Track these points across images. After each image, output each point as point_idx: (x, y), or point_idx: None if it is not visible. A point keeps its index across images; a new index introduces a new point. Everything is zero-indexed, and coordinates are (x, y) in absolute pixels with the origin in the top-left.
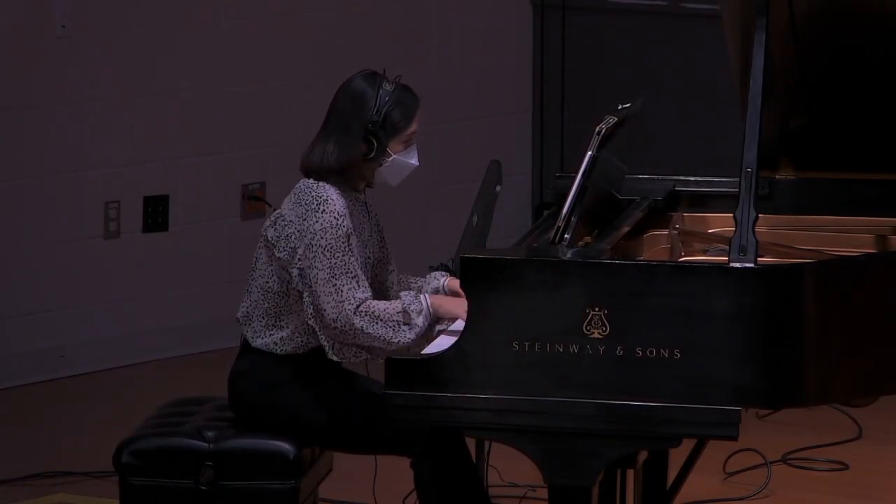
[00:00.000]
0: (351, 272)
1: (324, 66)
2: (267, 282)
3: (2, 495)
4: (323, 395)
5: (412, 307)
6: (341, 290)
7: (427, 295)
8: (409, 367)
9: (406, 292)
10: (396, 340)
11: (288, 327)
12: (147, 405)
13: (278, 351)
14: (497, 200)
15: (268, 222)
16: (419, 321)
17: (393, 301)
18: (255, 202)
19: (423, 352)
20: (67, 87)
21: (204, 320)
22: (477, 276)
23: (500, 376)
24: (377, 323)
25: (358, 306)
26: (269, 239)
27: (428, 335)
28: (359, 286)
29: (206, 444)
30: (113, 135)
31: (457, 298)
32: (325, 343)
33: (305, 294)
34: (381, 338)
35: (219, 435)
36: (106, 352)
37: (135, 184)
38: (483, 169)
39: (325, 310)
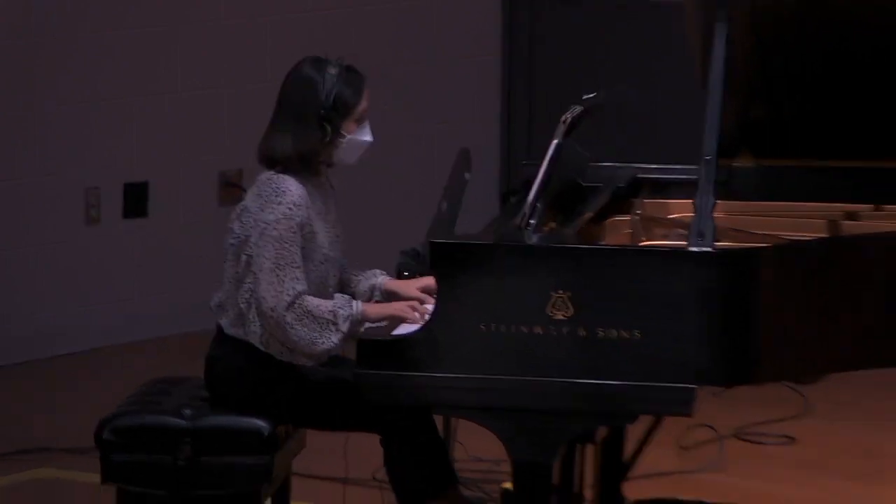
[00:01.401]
0: (295, 264)
1: (289, 48)
2: (235, 273)
3: None
4: (295, 375)
5: (342, 310)
6: (283, 281)
7: (359, 301)
8: (379, 348)
9: (340, 295)
10: (320, 343)
11: (257, 321)
12: (127, 385)
13: (251, 341)
14: (466, 187)
15: (234, 215)
16: (344, 327)
17: (326, 301)
18: (232, 188)
19: (393, 333)
20: (48, 75)
21: (181, 304)
22: (446, 260)
23: (467, 357)
24: (306, 319)
25: (294, 299)
26: (235, 231)
27: (355, 333)
28: (299, 280)
29: (185, 422)
30: (94, 122)
31: (389, 303)
32: (256, 329)
33: (248, 280)
34: (306, 338)
35: (196, 413)
36: (86, 333)
37: (115, 170)
38: (453, 157)
39: (264, 297)
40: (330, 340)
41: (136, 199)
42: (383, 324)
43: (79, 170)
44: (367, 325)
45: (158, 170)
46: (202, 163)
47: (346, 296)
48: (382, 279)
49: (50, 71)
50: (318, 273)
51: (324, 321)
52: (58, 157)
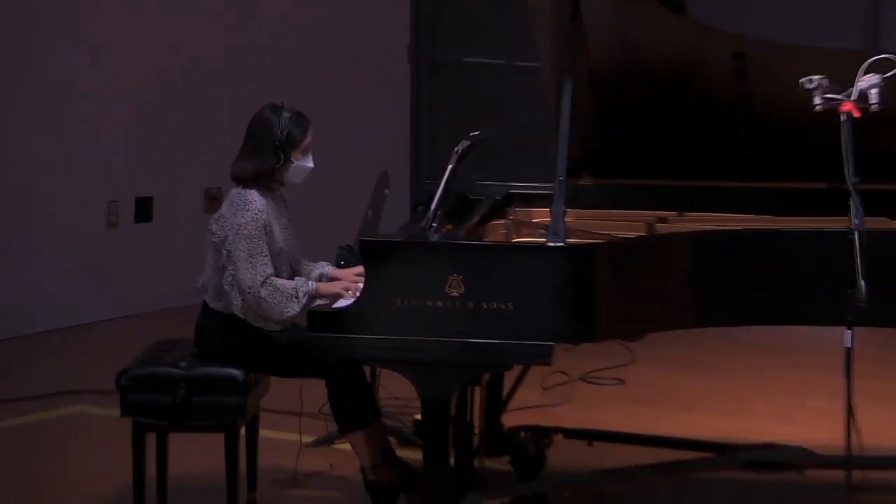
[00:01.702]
0: (264, 253)
1: (253, 93)
2: (215, 263)
3: (33, 408)
4: (263, 336)
5: (301, 288)
6: (255, 266)
7: (313, 281)
8: (324, 317)
9: (298, 277)
10: (287, 311)
11: (238, 298)
12: (137, 344)
13: (227, 312)
14: (385, 200)
15: (213, 219)
16: (304, 300)
17: (289, 281)
18: (214, 201)
19: (333, 306)
20: (82, 109)
21: (176, 285)
22: (372, 253)
23: (387, 323)
24: (276, 294)
25: (265, 279)
26: (214, 232)
27: (310, 305)
28: (268, 265)
29: (180, 371)
30: (114, 153)
31: (333, 282)
32: (238, 303)
33: (230, 268)
34: (276, 308)
35: (189, 365)
36: (106, 306)
37: (129, 187)
38: (376, 177)
39: (243, 279)
40: (293, 310)
41: (144, 209)
42: (327, 301)
43: (103, 187)
44: (318, 301)
45: (160, 187)
46: (192, 182)
47: (303, 278)
48: (329, 268)
49: (79, 105)
50: (274, 263)
51: (288, 295)
52: (86, 177)
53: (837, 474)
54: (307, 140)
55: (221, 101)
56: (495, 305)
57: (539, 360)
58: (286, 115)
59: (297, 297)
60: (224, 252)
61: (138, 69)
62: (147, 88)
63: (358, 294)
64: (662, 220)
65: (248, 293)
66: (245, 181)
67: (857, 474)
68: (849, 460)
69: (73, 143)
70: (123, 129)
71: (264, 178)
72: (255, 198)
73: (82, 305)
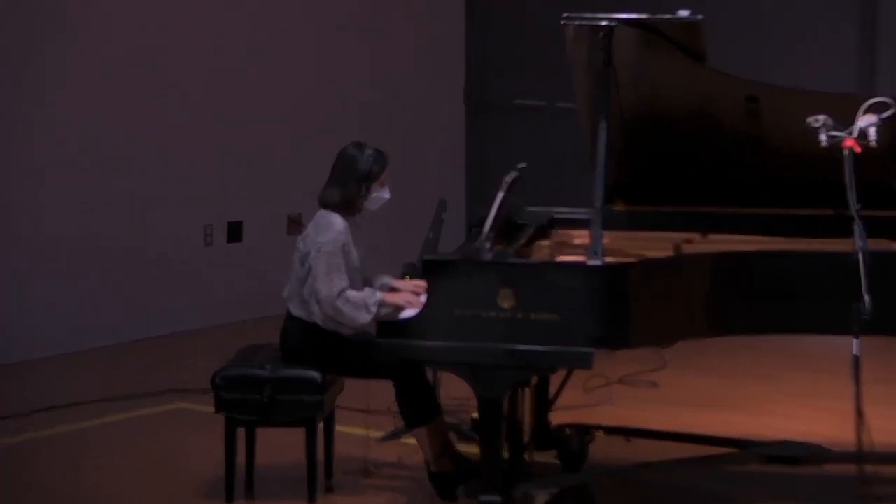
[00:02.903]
0: (341, 270)
1: (328, 133)
2: (299, 275)
3: (143, 404)
4: (338, 343)
5: (370, 299)
6: (333, 280)
7: (379, 291)
8: (392, 325)
9: (369, 289)
10: (359, 319)
11: (317, 307)
12: (230, 348)
13: (307, 319)
14: (444, 224)
15: (299, 238)
16: (374, 309)
17: (360, 292)
18: (295, 225)
19: (400, 316)
20: (183, 145)
21: (264, 296)
22: (434, 270)
23: (447, 331)
24: (349, 305)
25: (341, 292)
26: (300, 248)
27: (378, 316)
28: (344, 279)
29: (267, 372)
30: (209, 183)
31: (396, 293)
32: (317, 311)
33: (310, 280)
34: (350, 317)
35: (274, 367)
36: (204, 315)
37: (222, 212)
38: (436, 204)
39: (321, 290)
40: (364, 318)
41: (235, 231)
42: (391, 310)
43: (200, 211)
44: (385, 310)
45: (250, 212)
46: (277, 208)
47: (372, 289)
48: (389, 279)
49: (176, 138)
50: (350, 277)
51: (360, 305)
52: (185, 203)
53: (849, 468)
54: (385, 175)
55: (303, 138)
56: (542, 316)
57: (581, 365)
58: (369, 152)
59: (367, 307)
60: (307, 266)
61: (232, 111)
62: (238, 127)
63: (420, 305)
64: (688, 240)
65: (326, 303)
66: (331, 206)
67: (868, 468)
68: (860, 456)
69: (175, 172)
70: (218, 160)
71: (347, 205)
72: (337, 221)
73: (183, 314)
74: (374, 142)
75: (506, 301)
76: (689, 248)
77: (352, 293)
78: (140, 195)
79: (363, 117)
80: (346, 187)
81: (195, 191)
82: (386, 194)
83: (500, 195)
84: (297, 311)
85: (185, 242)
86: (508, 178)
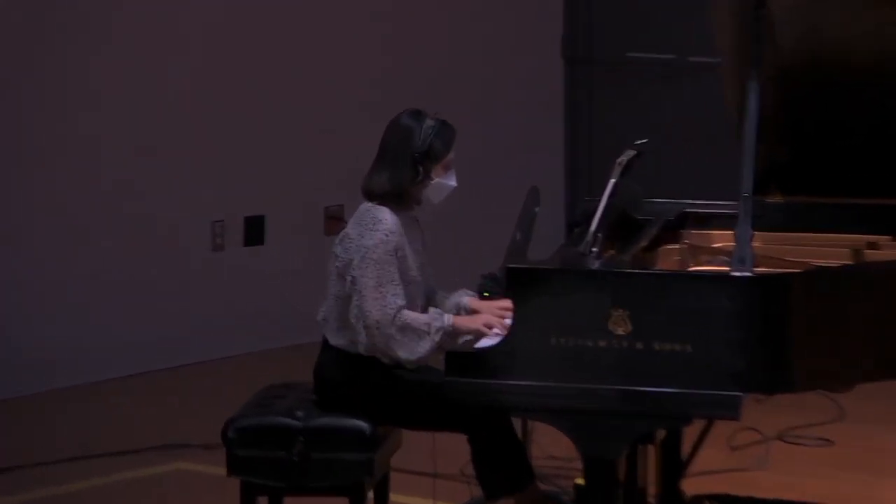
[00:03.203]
0: (395, 281)
1: (380, 102)
2: (338, 291)
3: (126, 465)
4: (392, 382)
5: (435, 323)
6: (385, 296)
7: (449, 315)
8: (465, 358)
9: (435, 310)
10: (418, 350)
11: (363, 333)
12: (249, 389)
13: (352, 351)
14: (536, 220)
15: (337, 240)
16: (437, 337)
17: (422, 314)
18: (335, 221)
19: (476, 346)
20: (177, 121)
21: (293, 318)
22: (521, 282)
23: (540, 366)
24: (406, 330)
25: (396, 313)
26: (338, 255)
27: (451, 345)
28: (399, 295)
29: (297, 422)
30: (217, 164)
31: (473, 316)
32: (363, 340)
33: (355, 298)
34: (405, 346)
35: (307, 414)
36: (213, 345)
37: (237, 204)
38: (524, 194)
39: (370, 311)
40: (424, 348)
41: (254, 230)
42: (469, 337)
43: (206, 203)
44: (461, 339)
45: (273, 204)
46: (310, 199)
47: (438, 310)
48: (467, 299)
49: (173, 120)
50: (406, 293)
51: (420, 332)
52: (186, 193)
53: None
54: (451, 155)
55: (347, 105)
56: (669, 346)
57: (724, 414)
58: (429, 123)
59: (429, 334)
60: (348, 278)
61: (249, 65)
62: (257, 87)
63: (504, 331)
64: (872, 245)
65: (376, 328)
66: (378, 197)
67: None
68: None
69: (170, 152)
70: (229, 136)
71: (400, 195)
72: (386, 216)
73: (180, 342)
74: (442, 109)
75: (620, 325)
76: (873, 256)
77: (410, 315)
78: (126, 197)
79: (425, 75)
80: (399, 171)
81: (200, 176)
82: (452, 181)
83: (612, 182)
84: (336, 340)
85: (186, 246)
86: (623, 159)
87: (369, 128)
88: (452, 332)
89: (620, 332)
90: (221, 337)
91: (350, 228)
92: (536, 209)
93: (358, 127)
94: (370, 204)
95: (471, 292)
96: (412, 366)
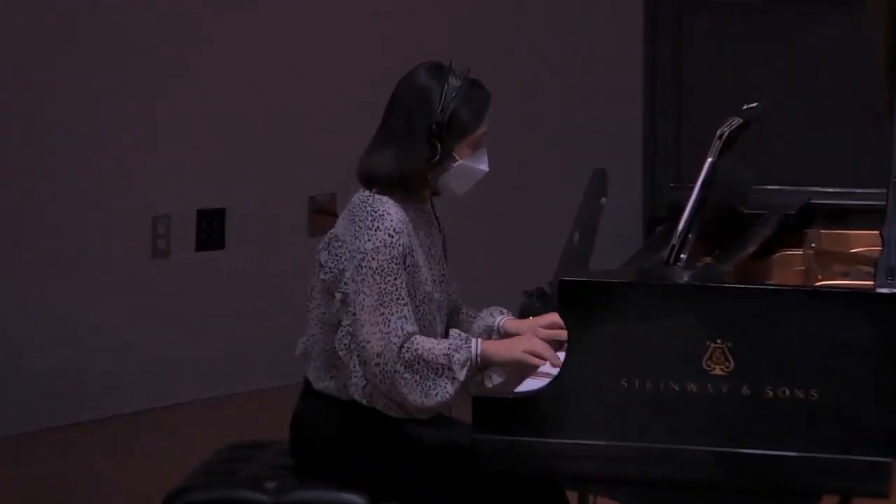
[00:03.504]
0: (402, 300)
1: (397, 61)
2: (324, 313)
3: None
4: (398, 440)
5: (457, 354)
6: (389, 320)
7: (479, 341)
8: (501, 408)
9: (456, 333)
10: (434, 394)
11: (359, 370)
12: (200, 449)
13: (344, 397)
14: (601, 214)
15: (322, 244)
16: (461, 374)
17: (441, 340)
18: (324, 216)
19: (516, 390)
20: (106, 83)
21: (265, 352)
22: (579, 301)
23: (606, 419)
24: (418, 365)
25: (404, 342)
26: (324, 264)
27: (480, 386)
28: (408, 318)
29: (266, 497)
30: (162, 140)
31: (511, 340)
32: (358, 382)
33: (345, 322)
34: (418, 389)
35: (280, 486)
36: (154, 387)
37: (187, 195)
38: (586, 178)
39: (369, 341)
40: (445, 390)
41: (210, 229)
42: (502, 376)
43: (144, 195)
44: (493, 380)
45: (236, 194)
46: (289, 187)
47: (461, 333)
48: (501, 319)
49: (108, 81)
50: (418, 315)
51: (438, 366)
52: (120, 181)
53: None
54: (482, 128)
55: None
56: (787, 392)
57: (867, 489)
58: (455, 83)
59: (450, 369)
60: (338, 296)
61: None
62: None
63: (555, 366)
64: None
65: (377, 364)
66: (379, 183)
67: None
68: None
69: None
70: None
71: (409, 180)
72: (390, 209)
73: (112, 386)
74: (469, 62)
75: (718, 363)
76: None
77: (422, 344)
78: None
79: (451, 12)
80: (409, 148)
81: (137, 156)
82: (482, 163)
83: (710, 162)
84: (321, 382)
85: (120, 252)
86: (726, 131)
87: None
88: (481, 362)
89: (719, 371)
90: (163, 376)
91: (340, 227)
92: (602, 200)
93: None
94: (368, 193)
95: (506, 311)
96: (427, 414)
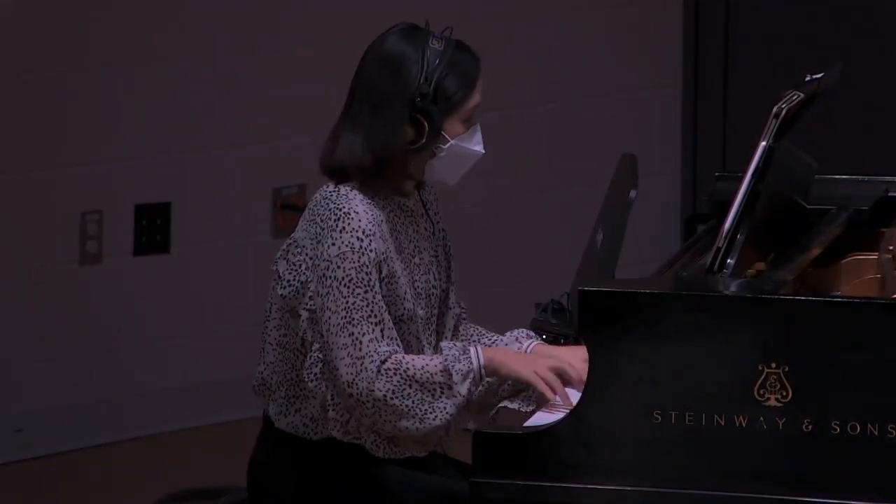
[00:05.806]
0: (375, 316)
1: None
2: (284, 335)
3: None
4: (382, 489)
5: (457, 366)
6: (360, 341)
7: (479, 348)
8: (507, 446)
9: (450, 344)
10: (432, 415)
11: (336, 403)
12: (140, 498)
13: (313, 436)
14: (631, 210)
15: (279, 252)
16: (463, 388)
17: (432, 356)
18: (291, 212)
19: (525, 424)
20: (35, 59)
21: (218, 379)
22: (602, 316)
23: (634, 459)
24: (404, 386)
25: (383, 363)
26: (282, 276)
27: (483, 416)
28: (383, 336)
29: None
30: (95, 123)
31: (526, 355)
32: (336, 416)
33: (315, 346)
34: (410, 412)
35: None
36: (82, 424)
37: (123, 188)
38: (612, 166)
39: (337, 368)
40: (444, 410)
41: (153, 228)
42: (509, 399)
43: (72, 188)
44: (502, 404)
45: (185, 187)
46: (249, 176)
47: (455, 343)
48: (530, 344)
49: (32, 47)
50: (401, 333)
51: (434, 386)
52: (41, 172)
53: None
54: (474, 99)
55: (313, 41)
56: (858, 427)
57: None
58: (437, 46)
59: (448, 386)
60: (303, 314)
61: None
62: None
63: (578, 398)
64: None
65: (349, 394)
66: (349, 173)
67: None
68: None
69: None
70: (108, 89)
71: (382, 168)
72: (357, 206)
73: (27, 422)
74: (469, 32)
75: (773, 391)
76: None
77: (409, 360)
78: None
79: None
80: (384, 128)
81: (65, 140)
82: (476, 144)
83: (763, 146)
84: (283, 419)
85: (40, 256)
86: (784, 107)
87: (352, 67)
88: (486, 372)
89: (774, 402)
90: (94, 411)
91: (300, 231)
92: (632, 193)
93: (334, 64)
94: (332, 187)
95: (534, 335)
96: (424, 448)
